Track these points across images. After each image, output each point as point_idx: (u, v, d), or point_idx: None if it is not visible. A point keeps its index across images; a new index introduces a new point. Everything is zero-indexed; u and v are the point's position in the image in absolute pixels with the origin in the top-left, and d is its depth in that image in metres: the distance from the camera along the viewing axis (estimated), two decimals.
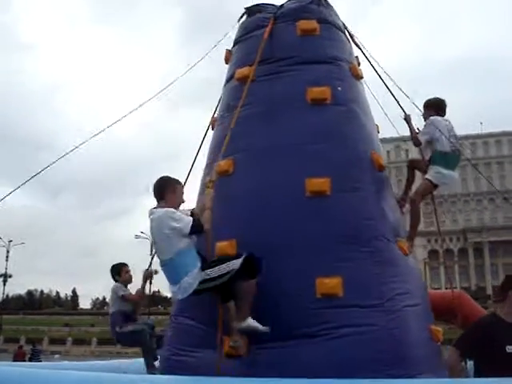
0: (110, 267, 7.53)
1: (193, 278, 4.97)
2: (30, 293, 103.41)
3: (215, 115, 7.61)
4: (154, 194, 5.36)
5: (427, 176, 6.69)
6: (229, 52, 7.73)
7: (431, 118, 6.87)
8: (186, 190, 7.35)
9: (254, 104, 6.63)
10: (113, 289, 7.36)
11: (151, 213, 5.20)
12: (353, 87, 6.96)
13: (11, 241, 62.97)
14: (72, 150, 6.45)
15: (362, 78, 7.28)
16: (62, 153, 6.33)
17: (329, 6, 7.46)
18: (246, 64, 7.03)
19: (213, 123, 7.50)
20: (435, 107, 7.07)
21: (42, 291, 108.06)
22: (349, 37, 7.59)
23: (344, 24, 7.60)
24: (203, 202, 5.43)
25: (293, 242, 5.66)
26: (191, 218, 5.08)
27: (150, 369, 6.74)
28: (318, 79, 6.61)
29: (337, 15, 7.53)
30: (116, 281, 7.44)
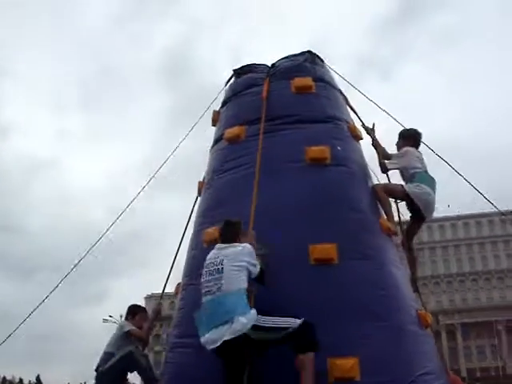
0: (129, 306, 6.97)
1: (248, 319, 4.45)
2: None
3: (202, 179, 7.01)
4: (223, 236, 5.04)
5: (407, 189, 6.27)
6: (217, 113, 7.23)
7: (405, 148, 6.61)
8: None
9: (247, 165, 6.08)
10: (120, 325, 6.83)
11: (223, 247, 4.87)
12: (353, 148, 6.48)
13: None
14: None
15: (361, 139, 6.79)
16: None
17: (324, 64, 7.09)
18: (237, 123, 6.52)
19: (200, 188, 6.89)
20: (412, 139, 6.77)
21: (4, 377, 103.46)
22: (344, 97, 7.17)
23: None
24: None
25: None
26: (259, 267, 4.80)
27: None
28: (317, 138, 6.12)
29: (331, 74, 7.15)
30: (132, 318, 6.84)
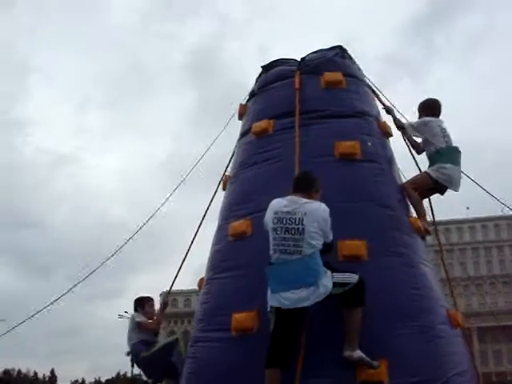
0: (136, 298, 7.24)
1: (328, 280, 4.48)
2: (7, 372, 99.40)
3: (227, 173, 6.92)
4: (299, 184, 4.97)
5: (427, 170, 6.28)
6: (243, 106, 7.14)
7: (427, 119, 6.49)
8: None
9: (274, 159, 6.00)
10: (132, 316, 7.06)
11: (303, 202, 4.72)
12: (383, 144, 6.36)
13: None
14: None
15: (391, 135, 6.67)
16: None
17: (353, 60, 7.00)
18: (265, 117, 6.43)
19: (225, 182, 6.79)
20: (429, 109, 6.65)
21: (19, 371, 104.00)
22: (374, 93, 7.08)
23: (369, 80, 7.12)
24: None
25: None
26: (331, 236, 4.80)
27: None
28: (347, 133, 6.02)
29: (361, 70, 7.07)
30: (142, 308, 7.11)
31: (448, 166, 6.13)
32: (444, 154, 6.20)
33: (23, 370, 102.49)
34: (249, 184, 6.09)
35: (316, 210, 4.70)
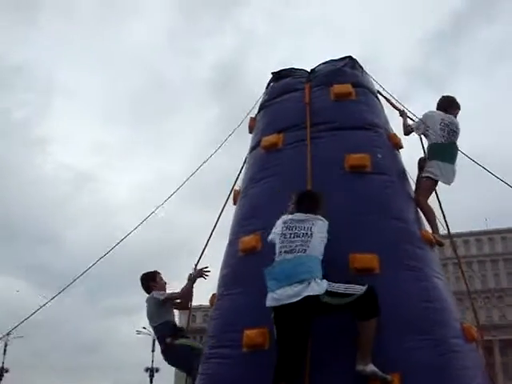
0: (142, 275, 6.85)
1: (324, 282, 4.52)
2: None
3: (237, 187, 6.87)
4: (306, 202, 5.09)
5: (424, 174, 6.35)
6: (253, 119, 7.11)
7: (424, 113, 6.62)
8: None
9: (285, 173, 5.95)
10: (152, 297, 6.61)
11: (312, 217, 4.92)
12: (393, 156, 6.29)
13: (9, 334, 60.81)
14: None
15: (401, 147, 6.59)
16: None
17: (363, 70, 6.94)
18: (274, 131, 6.39)
19: (235, 196, 6.75)
20: (438, 106, 6.75)
21: None
22: (385, 101, 7.04)
23: (379, 90, 7.05)
24: None
25: None
26: None
27: None
28: (357, 145, 5.96)
29: (370, 80, 7.00)
30: (149, 291, 6.73)
31: (442, 164, 6.26)
32: (439, 150, 6.33)
33: None
34: (258, 199, 6.05)
35: (323, 224, 4.88)
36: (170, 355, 6.54)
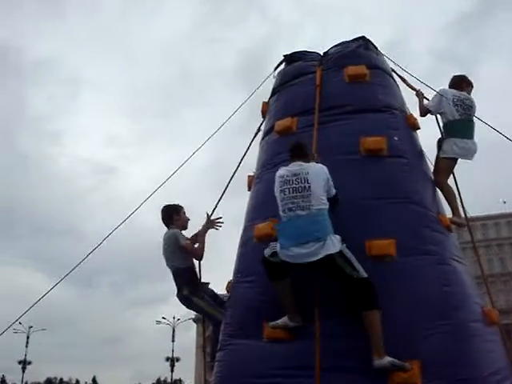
0: (166, 206, 6.37)
1: (339, 240, 4.56)
2: (49, 380, 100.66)
3: (252, 173, 6.77)
4: (297, 151, 5.19)
5: (441, 155, 6.24)
6: (266, 104, 7.00)
7: (438, 90, 6.47)
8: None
9: None
10: (173, 234, 6.13)
11: (304, 165, 4.97)
12: (410, 138, 6.14)
13: (31, 327, 61.37)
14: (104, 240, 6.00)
15: (418, 128, 6.44)
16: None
17: (377, 50, 6.79)
18: (287, 115, 6.28)
19: (250, 182, 6.65)
20: (451, 85, 6.63)
21: (61, 379, 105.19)
22: (400, 81, 6.88)
23: (393, 69, 6.88)
24: None
25: None
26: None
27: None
28: (373, 128, 5.81)
29: (385, 61, 6.85)
30: (170, 223, 6.27)
31: (459, 141, 6.15)
32: (455, 128, 6.21)
33: (65, 379, 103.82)
34: (272, 185, 5.93)
35: (317, 169, 4.91)
36: (186, 304, 6.19)
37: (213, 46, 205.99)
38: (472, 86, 6.59)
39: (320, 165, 5.01)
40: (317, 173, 4.86)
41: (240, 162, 7.02)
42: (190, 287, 6.06)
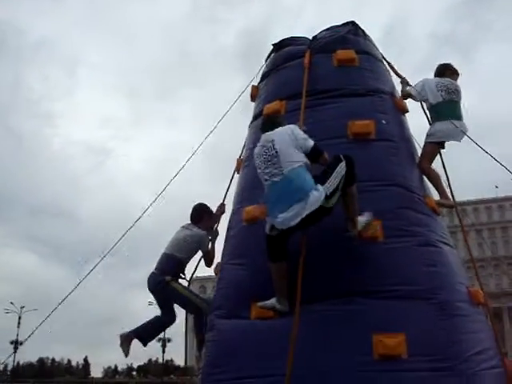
0: (200, 204, 6.73)
1: (319, 192, 4.53)
2: (41, 360, 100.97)
3: (241, 157, 6.82)
4: (267, 125, 5.26)
5: (426, 140, 6.31)
6: (255, 88, 7.03)
7: (421, 80, 6.57)
8: None
9: None
10: (202, 238, 6.51)
11: (269, 133, 5.04)
12: (399, 122, 6.21)
13: (23, 307, 61.51)
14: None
15: (407, 111, 6.50)
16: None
17: (366, 36, 6.82)
18: (277, 98, 6.32)
19: (238, 166, 6.70)
20: (435, 74, 6.69)
21: (53, 359, 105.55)
22: (388, 67, 6.91)
23: (382, 55, 6.91)
24: None
25: None
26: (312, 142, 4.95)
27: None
28: (360, 112, 5.87)
29: (375, 45, 6.88)
30: (197, 221, 6.60)
31: (444, 124, 6.17)
32: (439, 110, 6.24)
33: (57, 359, 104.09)
34: None
35: (280, 132, 4.95)
36: (160, 290, 6.35)
37: (212, 26, 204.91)
38: (458, 74, 6.61)
39: (286, 126, 5.02)
40: (281, 135, 4.90)
41: (242, 151, 7.06)
42: (174, 277, 6.32)
